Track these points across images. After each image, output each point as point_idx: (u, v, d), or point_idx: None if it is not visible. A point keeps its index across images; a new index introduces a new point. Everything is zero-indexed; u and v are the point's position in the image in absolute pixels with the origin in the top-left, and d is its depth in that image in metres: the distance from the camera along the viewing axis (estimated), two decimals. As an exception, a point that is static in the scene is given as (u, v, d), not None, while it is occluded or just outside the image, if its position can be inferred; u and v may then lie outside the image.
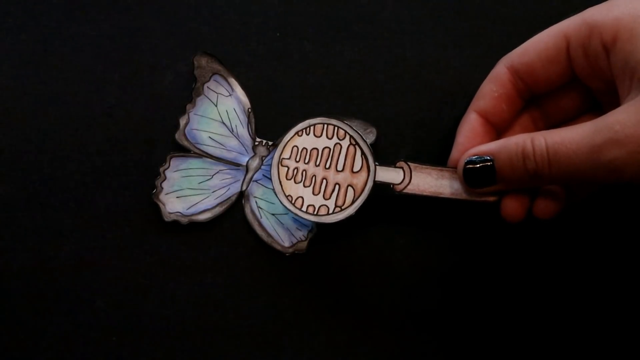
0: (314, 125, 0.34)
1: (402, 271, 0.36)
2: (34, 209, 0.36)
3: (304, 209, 0.33)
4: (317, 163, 0.34)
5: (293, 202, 0.33)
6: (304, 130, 0.34)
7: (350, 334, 0.35)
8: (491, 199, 0.32)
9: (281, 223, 0.36)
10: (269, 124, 0.37)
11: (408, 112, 0.38)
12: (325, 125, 0.34)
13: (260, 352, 0.35)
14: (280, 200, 0.34)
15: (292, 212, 0.33)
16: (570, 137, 0.28)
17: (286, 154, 0.34)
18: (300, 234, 0.36)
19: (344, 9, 0.39)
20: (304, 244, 0.36)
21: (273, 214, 0.36)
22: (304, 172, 0.34)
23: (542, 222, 0.33)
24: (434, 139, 0.37)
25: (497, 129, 0.34)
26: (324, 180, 0.33)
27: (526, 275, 0.36)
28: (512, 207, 0.32)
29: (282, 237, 0.36)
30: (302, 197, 0.33)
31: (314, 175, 0.34)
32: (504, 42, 0.34)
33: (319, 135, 0.34)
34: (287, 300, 0.35)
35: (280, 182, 0.34)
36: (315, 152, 0.34)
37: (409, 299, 0.35)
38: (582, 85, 0.32)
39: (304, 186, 0.34)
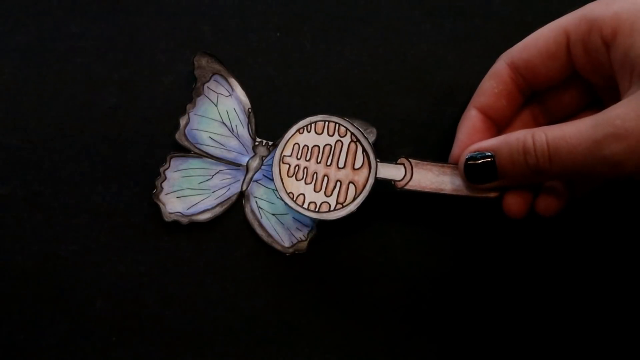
0: (315, 122, 0.34)
1: (403, 270, 0.36)
2: (34, 209, 0.36)
3: (305, 206, 0.33)
4: (319, 160, 0.34)
5: (294, 199, 0.33)
6: (305, 128, 0.34)
7: (350, 333, 0.35)
8: (492, 195, 0.32)
9: (281, 223, 0.36)
10: (269, 124, 0.37)
11: (408, 112, 0.38)
12: (327, 123, 0.34)
13: (260, 352, 0.35)
14: (281, 198, 0.33)
15: (293, 210, 0.33)
16: (571, 132, 0.28)
17: (287, 152, 0.34)
18: (301, 234, 0.36)
19: (344, 9, 0.39)
20: (304, 244, 0.36)
21: (273, 214, 0.36)
22: (305, 170, 0.34)
23: (544, 219, 0.33)
24: (434, 139, 0.37)
25: (497, 125, 0.33)
26: (326, 177, 0.33)
27: (528, 273, 0.36)
28: (514, 203, 0.32)
29: (283, 237, 0.36)
30: (303, 194, 0.33)
31: (316, 173, 0.33)
32: (503, 41, 0.33)
33: (320, 132, 0.34)
34: (287, 300, 0.35)
35: (281, 179, 0.34)
36: (316, 149, 0.34)
37: (410, 297, 0.35)
38: (583, 81, 0.32)
39: (306, 183, 0.34)
